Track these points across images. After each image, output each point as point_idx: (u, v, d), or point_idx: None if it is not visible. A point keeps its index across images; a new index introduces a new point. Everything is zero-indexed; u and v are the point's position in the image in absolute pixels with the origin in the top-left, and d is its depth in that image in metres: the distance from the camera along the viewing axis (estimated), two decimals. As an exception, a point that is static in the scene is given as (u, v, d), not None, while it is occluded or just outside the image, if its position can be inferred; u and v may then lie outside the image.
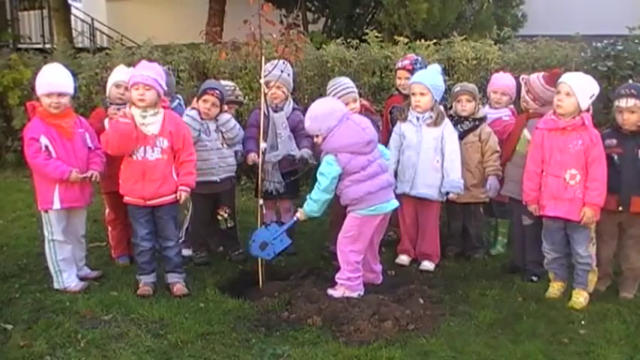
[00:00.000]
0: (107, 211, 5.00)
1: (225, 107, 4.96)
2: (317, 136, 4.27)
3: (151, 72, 4.28)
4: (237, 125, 4.98)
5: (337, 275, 4.30)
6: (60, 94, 4.27)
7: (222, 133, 4.88)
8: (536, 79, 4.56)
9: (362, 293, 4.26)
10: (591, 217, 4.10)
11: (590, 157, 4.09)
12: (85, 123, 4.54)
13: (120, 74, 4.82)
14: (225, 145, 4.92)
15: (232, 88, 5.34)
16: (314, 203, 4.24)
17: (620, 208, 4.20)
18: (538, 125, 4.31)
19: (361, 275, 4.32)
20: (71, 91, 4.39)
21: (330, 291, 4.26)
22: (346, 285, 4.25)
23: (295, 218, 4.40)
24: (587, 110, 4.17)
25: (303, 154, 5.01)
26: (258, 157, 4.60)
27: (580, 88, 4.12)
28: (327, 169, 4.16)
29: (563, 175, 4.14)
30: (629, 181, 4.17)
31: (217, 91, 4.81)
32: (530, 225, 4.59)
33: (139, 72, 4.29)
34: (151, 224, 4.39)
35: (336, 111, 4.23)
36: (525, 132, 4.59)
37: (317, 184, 4.23)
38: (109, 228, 5.03)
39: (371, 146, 4.22)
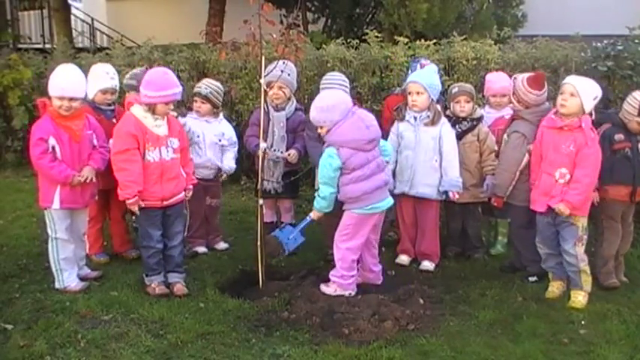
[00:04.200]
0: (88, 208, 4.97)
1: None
2: (321, 127, 4.25)
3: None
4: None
5: (331, 272, 4.31)
6: (71, 99, 4.27)
7: None
8: (520, 81, 4.58)
9: (353, 293, 4.26)
10: (563, 213, 4.14)
11: (578, 158, 4.11)
12: (95, 123, 4.53)
13: (105, 81, 4.80)
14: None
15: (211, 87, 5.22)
16: (322, 200, 4.25)
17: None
18: (542, 123, 4.34)
19: (355, 275, 4.33)
20: (83, 95, 4.39)
21: (322, 287, 4.28)
22: (338, 283, 4.26)
23: (309, 218, 4.42)
24: (590, 114, 4.20)
25: (284, 154, 5.00)
26: (259, 157, 4.61)
27: (584, 90, 4.14)
28: (327, 161, 4.16)
29: (554, 172, 4.19)
30: (635, 172, 4.29)
31: None
32: (521, 225, 4.67)
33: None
34: (161, 225, 4.40)
35: (341, 104, 4.20)
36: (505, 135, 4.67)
37: (319, 177, 4.24)
38: (88, 225, 4.94)
39: (373, 144, 4.21)
